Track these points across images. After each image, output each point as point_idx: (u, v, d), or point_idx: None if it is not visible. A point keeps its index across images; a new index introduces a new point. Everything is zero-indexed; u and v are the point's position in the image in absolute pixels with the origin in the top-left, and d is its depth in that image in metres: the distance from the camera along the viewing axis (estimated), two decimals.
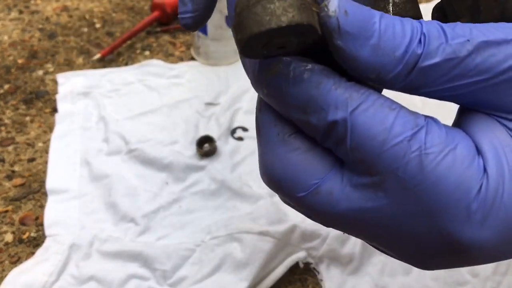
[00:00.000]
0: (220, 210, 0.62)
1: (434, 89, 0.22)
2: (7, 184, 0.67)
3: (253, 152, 0.69)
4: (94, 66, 0.85)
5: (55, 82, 0.82)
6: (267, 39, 0.21)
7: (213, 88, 0.79)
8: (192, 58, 0.87)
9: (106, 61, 0.86)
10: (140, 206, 0.62)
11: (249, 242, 0.55)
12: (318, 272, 0.56)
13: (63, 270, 0.55)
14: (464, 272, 0.54)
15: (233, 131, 0.72)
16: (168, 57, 0.88)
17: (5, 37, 0.92)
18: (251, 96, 0.77)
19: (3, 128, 0.75)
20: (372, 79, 0.22)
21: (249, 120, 0.74)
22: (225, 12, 0.81)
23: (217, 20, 0.81)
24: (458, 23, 0.22)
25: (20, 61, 0.87)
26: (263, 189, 0.62)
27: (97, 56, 0.85)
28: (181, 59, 0.87)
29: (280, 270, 0.56)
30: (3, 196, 0.65)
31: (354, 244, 0.56)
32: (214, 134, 0.70)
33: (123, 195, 0.63)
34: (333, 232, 0.56)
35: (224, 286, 0.54)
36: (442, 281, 0.54)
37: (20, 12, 0.99)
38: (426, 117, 0.23)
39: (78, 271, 0.55)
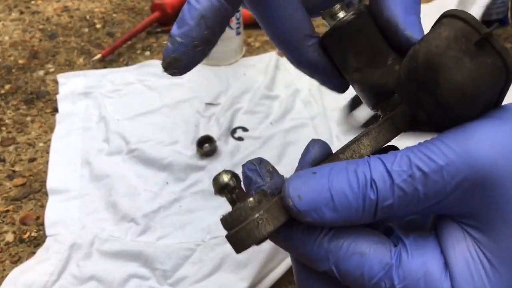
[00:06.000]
0: (220, 209, 0.61)
1: (400, 215, 0.27)
2: (8, 184, 0.67)
3: (253, 152, 0.69)
4: (94, 67, 0.85)
5: (55, 82, 0.82)
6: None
7: (213, 88, 0.79)
8: None
9: (106, 62, 0.86)
10: (141, 206, 0.62)
11: None
12: None
13: (63, 270, 0.55)
14: None
15: (233, 131, 0.72)
16: None
17: (6, 38, 0.92)
18: (251, 96, 0.77)
19: (4, 128, 0.75)
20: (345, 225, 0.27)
21: (249, 120, 0.74)
22: None
23: None
24: (395, 153, 0.26)
25: (21, 61, 0.87)
26: None
27: (98, 56, 0.85)
28: None
29: (280, 270, 0.56)
30: (4, 196, 0.65)
31: None
32: (214, 134, 0.70)
33: (124, 195, 0.63)
34: None
35: (224, 285, 0.54)
36: None
37: (21, 12, 0.99)
38: (397, 245, 0.27)
39: (78, 271, 0.55)
